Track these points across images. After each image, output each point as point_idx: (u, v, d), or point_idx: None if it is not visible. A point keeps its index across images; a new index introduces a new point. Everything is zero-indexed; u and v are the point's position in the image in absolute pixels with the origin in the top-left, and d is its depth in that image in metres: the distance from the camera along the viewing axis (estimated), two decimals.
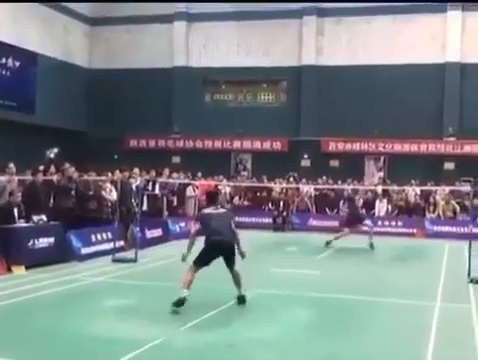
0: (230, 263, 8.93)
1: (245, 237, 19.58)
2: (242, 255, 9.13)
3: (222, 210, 9.32)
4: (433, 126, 26.37)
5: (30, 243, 11.95)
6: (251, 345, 7.02)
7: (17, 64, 25.02)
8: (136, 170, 16.81)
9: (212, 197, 9.64)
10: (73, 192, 14.34)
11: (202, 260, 8.78)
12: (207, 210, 9.15)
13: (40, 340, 7.05)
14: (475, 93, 25.90)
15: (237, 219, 22.23)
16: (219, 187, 22.61)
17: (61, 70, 27.94)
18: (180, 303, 8.39)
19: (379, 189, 22.81)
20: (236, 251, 8.97)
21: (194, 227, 9.31)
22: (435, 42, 26.86)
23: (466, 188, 21.37)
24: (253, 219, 23.05)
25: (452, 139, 26.57)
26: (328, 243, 16.85)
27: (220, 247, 8.78)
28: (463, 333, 7.81)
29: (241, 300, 8.98)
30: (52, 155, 16.44)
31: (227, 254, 8.84)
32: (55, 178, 14.49)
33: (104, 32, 30.72)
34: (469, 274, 11.57)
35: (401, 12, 27.07)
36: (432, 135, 26.51)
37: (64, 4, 28.35)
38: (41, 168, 14.32)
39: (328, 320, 8.48)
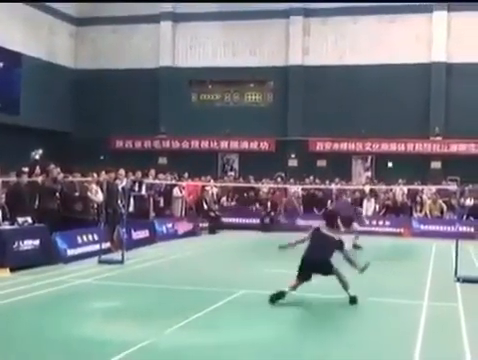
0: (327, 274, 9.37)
1: (233, 237, 19.62)
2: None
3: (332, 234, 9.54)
4: (420, 126, 26.51)
5: (15, 245, 11.80)
6: (240, 346, 6.96)
7: (1, 65, 24.81)
8: (122, 171, 16.68)
9: (330, 219, 9.95)
10: (58, 193, 14.18)
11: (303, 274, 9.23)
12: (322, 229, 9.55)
13: (26, 343, 6.95)
14: (461, 93, 26.07)
15: (224, 220, 22.38)
16: (206, 188, 22.53)
17: (46, 71, 27.75)
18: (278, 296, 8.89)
19: (367, 188, 22.85)
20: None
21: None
22: (421, 42, 27.00)
23: (453, 187, 21.50)
24: (241, 219, 23.00)
25: (438, 139, 26.72)
26: (357, 247, 16.57)
27: (315, 266, 9.24)
28: (450, 332, 7.80)
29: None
30: (37, 156, 16.25)
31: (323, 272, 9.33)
32: (40, 179, 14.32)
33: (90, 32, 30.56)
34: (456, 273, 11.59)
35: (387, 12, 27.19)
36: (419, 135, 26.65)
37: (49, 4, 28.16)
38: (26, 169, 14.13)
39: (317, 320, 8.45)
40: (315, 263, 9.16)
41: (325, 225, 9.67)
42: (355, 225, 17.70)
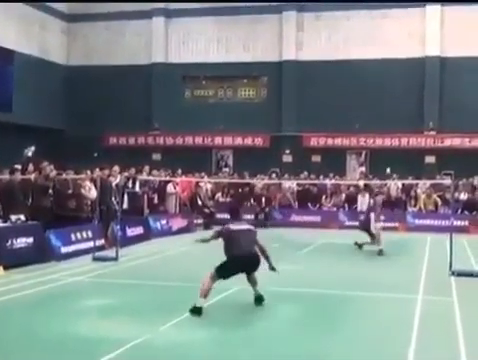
0: (251, 273, 8.73)
1: None
2: (273, 269, 8.87)
3: (247, 226, 8.84)
4: (414, 120, 26.52)
5: (8, 243, 11.74)
6: (235, 343, 6.95)
7: None
8: (116, 168, 16.60)
9: (234, 212, 9.25)
10: (51, 191, 14.11)
11: (223, 273, 8.40)
12: (232, 226, 8.71)
13: (21, 341, 6.91)
14: (455, 87, 26.10)
15: (219, 216, 22.30)
16: (200, 184, 22.48)
17: (38, 68, 27.61)
18: (196, 311, 8.01)
19: (361, 183, 22.84)
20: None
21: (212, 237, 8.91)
22: (414, 37, 27.00)
23: (447, 181, 21.52)
24: None
25: (432, 133, 26.74)
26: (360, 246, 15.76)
27: (246, 263, 8.54)
28: (445, 326, 7.80)
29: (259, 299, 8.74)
30: (29, 153, 16.13)
31: (252, 269, 8.63)
32: (33, 177, 14.24)
33: (82, 29, 30.42)
34: (451, 267, 11.60)
35: (381, 7, 27.16)
36: (413, 129, 26.65)
37: (40, 1, 27.96)
38: (18, 167, 14.05)
39: (312, 315, 8.42)
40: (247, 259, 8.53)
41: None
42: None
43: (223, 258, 8.51)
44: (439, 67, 26.70)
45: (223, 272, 8.37)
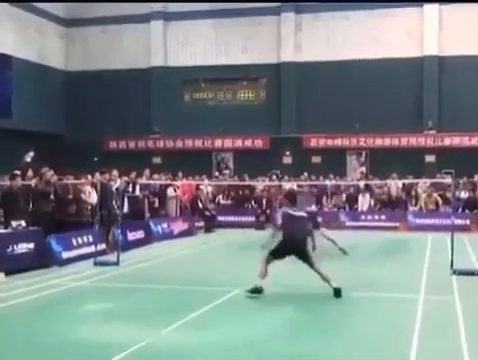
0: (305, 261, 9.38)
1: (229, 236, 19.58)
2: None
3: (301, 213, 9.60)
4: (413, 120, 26.53)
5: (9, 249, 11.72)
6: (237, 345, 6.93)
7: None
8: (115, 172, 16.60)
9: (292, 197, 10.00)
10: (52, 196, 14.11)
11: (275, 254, 9.34)
12: (288, 210, 9.54)
13: (23, 346, 6.91)
14: (454, 86, 26.12)
15: (220, 218, 22.33)
16: (201, 187, 22.48)
17: (37, 73, 27.65)
18: (256, 291, 9.04)
19: (362, 184, 22.86)
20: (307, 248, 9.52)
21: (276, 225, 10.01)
22: (413, 36, 27.02)
23: (447, 180, 21.51)
24: (236, 218, 22.96)
25: (432, 132, 26.74)
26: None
27: (294, 247, 9.36)
28: (447, 325, 7.79)
29: (337, 293, 9.20)
30: (28, 158, 16.17)
31: (298, 254, 9.38)
32: (33, 182, 14.25)
33: (80, 33, 30.45)
34: (452, 266, 11.59)
35: (379, 7, 27.18)
36: (412, 129, 26.66)
37: (37, 5, 28.00)
38: (18, 172, 14.05)
39: (313, 316, 8.42)
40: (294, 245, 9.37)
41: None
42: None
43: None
44: (438, 66, 26.73)
45: (275, 253, 9.33)
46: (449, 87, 26.36)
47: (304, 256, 9.35)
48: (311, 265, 9.32)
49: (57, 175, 15.00)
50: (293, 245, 9.30)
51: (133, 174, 18.98)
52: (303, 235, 9.47)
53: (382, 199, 22.99)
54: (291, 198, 9.91)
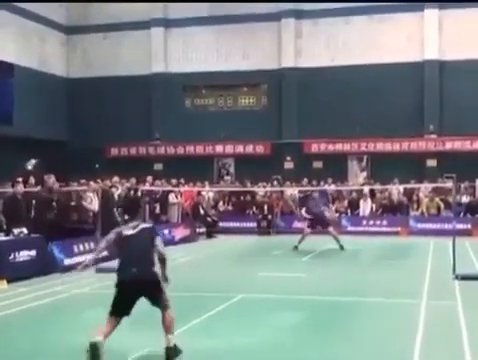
0: (155, 303, 6.55)
1: (230, 242, 19.57)
2: (165, 279, 6.56)
3: (143, 225, 6.80)
4: (414, 124, 26.51)
5: (11, 257, 11.74)
6: (240, 351, 6.92)
7: None
8: (116, 178, 16.64)
9: (129, 208, 7.02)
10: (54, 203, 14.13)
11: (117, 308, 6.50)
12: (124, 230, 6.61)
13: (26, 354, 6.90)
14: (455, 90, 26.12)
15: (222, 224, 22.31)
16: (202, 193, 22.50)
17: (39, 80, 27.70)
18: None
19: (365, 189, 22.84)
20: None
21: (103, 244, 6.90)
22: (413, 41, 27.03)
23: (449, 185, 21.49)
24: (237, 224, 22.97)
25: (433, 136, 26.73)
26: (296, 248, 16.56)
27: (134, 287, 6.39)
28: (450, 330, 7.77)
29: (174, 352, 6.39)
30: (30, 166, 16.21)
31: (146, 294, 6.48)
32: (35, 190, 14.27)
33: (81, 40, 30.53)
34: (454, 271, 11.57)
35: (378, 12, 27.23)
36: (413, 133, 26.63)
37: (38, 13, 28.07)
38: (20, 180, 14.08)
39: (315, 323, 8.41)
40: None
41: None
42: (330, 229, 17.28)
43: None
44: (438, 70, 26.73)
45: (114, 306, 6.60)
46: (450, 91, 26.37)
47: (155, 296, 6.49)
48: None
49: (59, 182, 15.03)
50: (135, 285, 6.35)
51: (133, 180, 19.00)
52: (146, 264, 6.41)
53: (384, 204, 22.98)
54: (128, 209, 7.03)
